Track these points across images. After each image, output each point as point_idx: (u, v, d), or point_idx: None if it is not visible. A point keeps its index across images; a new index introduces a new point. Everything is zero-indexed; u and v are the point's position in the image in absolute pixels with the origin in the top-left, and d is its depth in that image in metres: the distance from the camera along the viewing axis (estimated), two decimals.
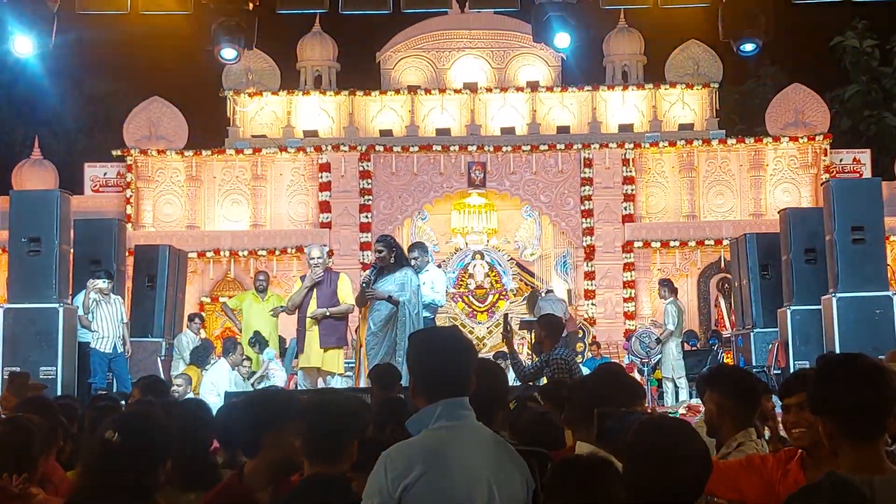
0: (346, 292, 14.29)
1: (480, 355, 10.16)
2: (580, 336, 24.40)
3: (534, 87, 28.46)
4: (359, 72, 30.47)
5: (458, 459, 4.01)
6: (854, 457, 3.76)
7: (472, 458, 4.04)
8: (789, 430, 5.11)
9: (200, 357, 17.32)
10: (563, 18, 13.18)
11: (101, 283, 16.45)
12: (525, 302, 25.11)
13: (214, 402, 11.82)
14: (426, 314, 14.10)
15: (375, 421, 6.13)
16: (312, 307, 14.30)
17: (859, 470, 3.71)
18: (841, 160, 27.63)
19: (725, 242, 24.49)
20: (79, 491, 4.64)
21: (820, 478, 3.50)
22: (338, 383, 14.33)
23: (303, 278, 14.77)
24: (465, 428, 4.13)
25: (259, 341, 17.62)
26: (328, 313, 14.19)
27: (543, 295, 24.22)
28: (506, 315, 13.03)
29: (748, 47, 13.50)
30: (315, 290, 14.33)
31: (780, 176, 27.11)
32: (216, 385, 15.70)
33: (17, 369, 13.71)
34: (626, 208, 26.78)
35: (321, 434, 4.61)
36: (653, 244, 26.52)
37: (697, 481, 3.88)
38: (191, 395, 15.31)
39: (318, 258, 14.54)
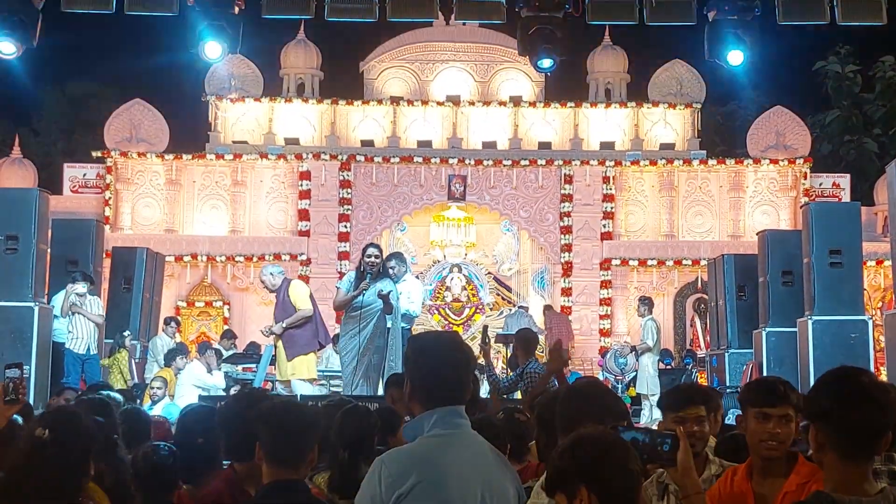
0: (299, 296, 14.38)
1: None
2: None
3: (516, 101, 28.45)
4: (342, 81, 30.48)
5: (453, 469, 3.98)
6: (841, 473, 3.66)
7: (466, 468, 4.02)
8: (761, 440, 4.83)
9: (172, 359, 17.40)
10: (550, 31, 13.20)
11: (81, 287, 16.40)
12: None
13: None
14: (402, 324, 14.08)
15: None
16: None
17: (845, 488, 3.61)
18: (820, 184, 27.77)
19: (703, 262, 24.60)
20: (4, 487, 4.63)
21: (809, 496, 3.46)
22: (304, 388, 14.14)
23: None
24: (460, 436, 4.11)
25: None
26: (284, 326, 14.23)
27: (512, 311, 24.21)
28: (485, 327, 12.92)
29: (735, 56, 13.49)
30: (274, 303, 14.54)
31: (760, 198, 27.19)
32: (208, 389, 15.76)
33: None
34: (605, 226, 26.81)
35: (284, 439, 4.57)
36: (631, 262, 26.56)
37: None
38: (167, 399, 15.33)
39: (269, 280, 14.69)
